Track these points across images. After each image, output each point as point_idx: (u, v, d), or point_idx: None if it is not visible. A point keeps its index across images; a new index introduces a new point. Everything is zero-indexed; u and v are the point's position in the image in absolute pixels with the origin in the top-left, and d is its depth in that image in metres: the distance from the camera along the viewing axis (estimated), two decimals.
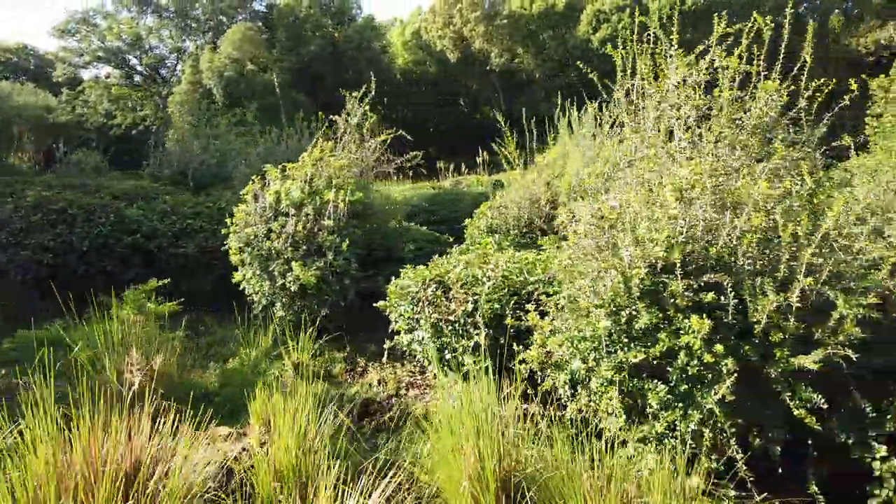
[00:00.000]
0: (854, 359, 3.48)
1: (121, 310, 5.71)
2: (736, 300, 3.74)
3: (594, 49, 24.59)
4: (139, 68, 30.47)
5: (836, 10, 32.54)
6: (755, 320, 3.69)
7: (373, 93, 8.34)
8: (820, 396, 3.56)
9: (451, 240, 8.82)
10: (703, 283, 3.84)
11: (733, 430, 3.80)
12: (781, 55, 4.82)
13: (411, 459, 3.90)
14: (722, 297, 3.76)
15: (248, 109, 22.53)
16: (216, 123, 14.29)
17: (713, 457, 4.35)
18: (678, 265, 3.82)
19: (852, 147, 9.66)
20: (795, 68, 4.63)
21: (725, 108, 4.60)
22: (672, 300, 3.86)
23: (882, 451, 3.61)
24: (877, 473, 3.64)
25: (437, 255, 6.62)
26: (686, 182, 4.00)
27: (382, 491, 3.08)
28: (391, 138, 8.35)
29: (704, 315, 3.73)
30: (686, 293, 3.81)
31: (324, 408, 4.71)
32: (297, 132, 12.09)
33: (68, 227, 7.83)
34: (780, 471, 4.06)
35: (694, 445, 4.05)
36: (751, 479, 3.80)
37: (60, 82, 29.31)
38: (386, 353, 6.14)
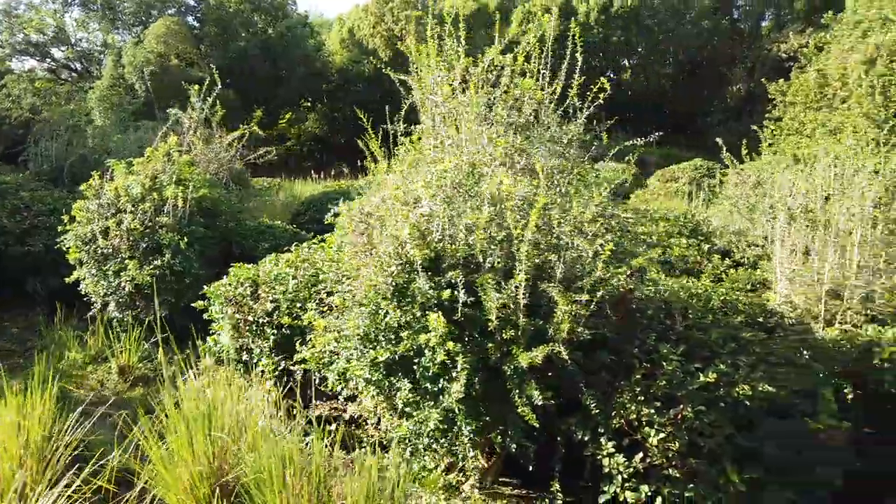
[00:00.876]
0: (566, 355, 3.49)
1: None
2: (474, 298, 3.73)
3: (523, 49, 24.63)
4: (65, 62, 29.56)
5: (770, 15, 33.44)
6: (489, 318, 3.68)
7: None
8: (540, 394, 3.56)
9: (319, 238, 8.70)
10: (448, 281, 3.82)
11: (470, 428, 3.79)
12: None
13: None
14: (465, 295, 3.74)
15: (172, 105, 21.98)
16: (107, 117, 13.88)
17: (481, 454, 4.36)
18: (419, 262, 3.79)
19: (724, 149, 9.90)
20: (570, 68, 4.65)
21: (505, 106, 4.60)
22: (418, 298, 3.84)
23: (608, 447, 3.64)
24: (606, 470, 3.66)
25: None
26: (436, 179, 3.98)
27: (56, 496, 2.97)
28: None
29: (440, 312, 3.72)
30: (429, 291, 3.79)
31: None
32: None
33: None
34: (531, 468, 4.08)
35: (447, 444, 4.05)
36: (476, 477, 3.80)
37: None
38: (208, 355, 6.01)
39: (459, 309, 3.64)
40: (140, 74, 23.19)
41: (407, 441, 4.10)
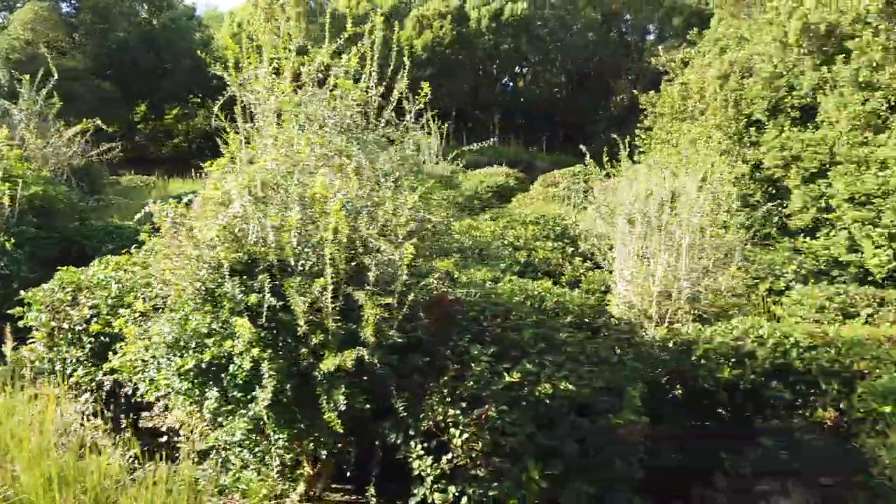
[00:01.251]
0: (374, 359, 3.47)
1: None
2: (284, 302, 3.63)
3: (417, 53, 24.81)
4: None
5: (655, 29, 35.31)
6: (298, 322, 3.59)
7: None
8: (351, 399, 3.53)
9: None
10: (261, 285, 3.70)
11: (280, 436, 3.70)
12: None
13: None
14: (275, 299, 3.64)
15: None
16: None
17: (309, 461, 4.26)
18: (227, 265, 3.66)
19: (588, 156, 10.26)
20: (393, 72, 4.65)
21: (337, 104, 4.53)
22: (225, 303, 3.70)
23: (418, 449, 3.64)
24: (416, 472, 3.66)
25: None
26: (247, 179, 3.86)
27: None
28: None
29: (249, 318, 3.60)
30: (238, 295, 3.66)
31: None
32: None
33: None
34: (349, 474, 4.05)
35: (260, 453, 3.93)
36: (303, 486, 3.72)
37: None
38: (24, 366, 5.57)
39: (264, 314, 3.53)
40: (3, 63, 21.41)
41: (220, 451, 3.95)
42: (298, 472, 4.31)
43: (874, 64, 9.78)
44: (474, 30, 24.67)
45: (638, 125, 15.88)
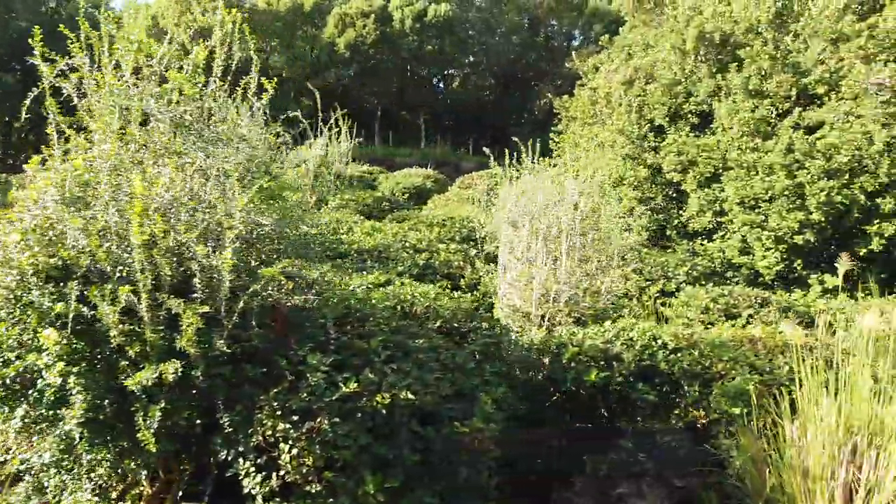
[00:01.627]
0: (192, 371, 3.25)
1: None
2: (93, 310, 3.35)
3: (340, 51, 24.44)
4: None
5: (579, 34, 36.06)
6: (111, 333, 3.32)
7: None
8: (167, 414, 3.29)
9: None
10: (70, 293, 3.40)
11: (93, 457, 3.42)
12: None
13: None
14: (87, 308, 3.35)
15: None
16: None
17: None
18: (31, 272, 3.35)
19: (492, 158, 10.19)
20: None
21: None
22: (30, 313, 3.39)
23: (246, 466, 3.43)
24: (246, 490, 3.45)
25: None
26: (59, 177, 3.56)
27: None
28: None
29: (60, 328, 3.31)
30: (45, 305, 3.35)
31: None
32: None
33: None
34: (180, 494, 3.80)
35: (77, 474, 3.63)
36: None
37: None
38: None
39: (69, 325, 3.24)
40: None
41: (35, 475, 3.62)
42: (135, 492, 4.03)
43: (763, 72, 10.14)
44: (398, 30, 24.49)
45: (552, 128, 16.11)
